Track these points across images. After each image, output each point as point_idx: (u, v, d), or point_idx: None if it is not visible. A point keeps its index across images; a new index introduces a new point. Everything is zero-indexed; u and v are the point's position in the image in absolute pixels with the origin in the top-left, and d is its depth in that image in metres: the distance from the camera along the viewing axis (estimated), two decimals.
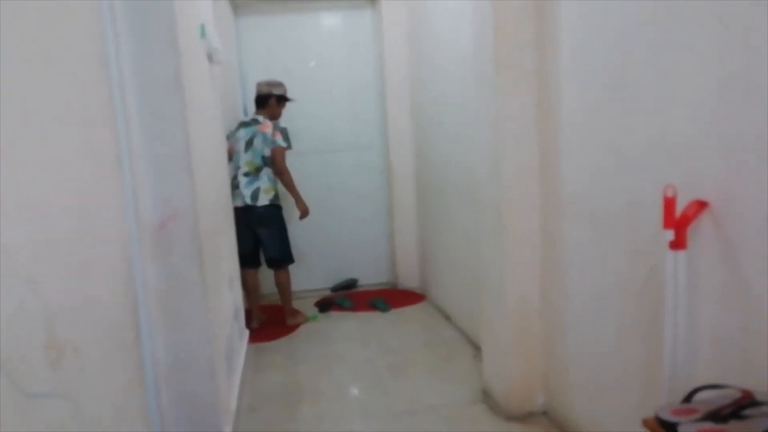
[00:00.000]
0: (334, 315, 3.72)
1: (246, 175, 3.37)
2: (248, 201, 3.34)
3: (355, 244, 4.28)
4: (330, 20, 4.14)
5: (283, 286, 3.52)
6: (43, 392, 0.66)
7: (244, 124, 3.46)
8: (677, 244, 1.36)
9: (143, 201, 1.58)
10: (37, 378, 0.67)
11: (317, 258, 4.21)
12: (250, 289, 3.52)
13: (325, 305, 3.83)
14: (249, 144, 3.37)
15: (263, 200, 3.35)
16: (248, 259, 3.43)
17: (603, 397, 1.84)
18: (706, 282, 1.34)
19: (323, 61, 4.12)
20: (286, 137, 3.44)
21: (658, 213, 1.40)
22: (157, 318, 1.62)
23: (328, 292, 4.15)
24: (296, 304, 3.68)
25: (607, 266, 1.76)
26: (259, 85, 3.51)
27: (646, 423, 1.14)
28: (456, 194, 3.19)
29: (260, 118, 3.44)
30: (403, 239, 4.20)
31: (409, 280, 4.21)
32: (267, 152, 3.36)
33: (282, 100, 3.53)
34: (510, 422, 2.21)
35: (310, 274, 4.17)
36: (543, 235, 2.15)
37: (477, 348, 2.86)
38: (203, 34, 2.27)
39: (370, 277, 4.31)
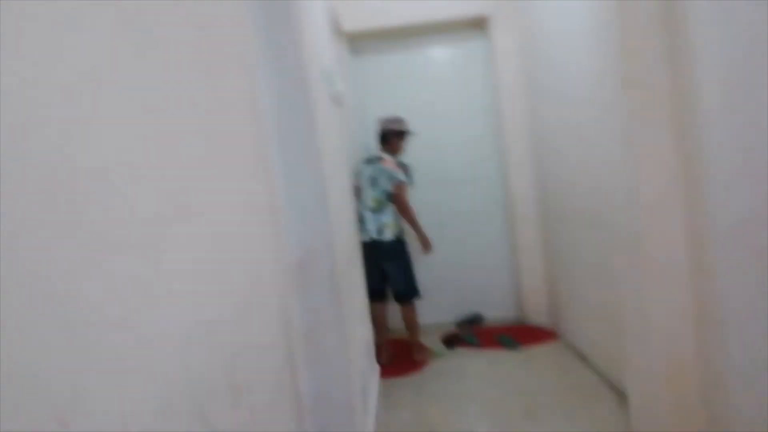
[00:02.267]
0: (461, 351, 3.65)
1: (372, 210, 3.47)
2: (374, 236, 3.42)
3: (478, 277, 4.20)
4: (442, 53, 4.21)
5: (411, 321, 3.53)
6: (226, 430, 0.71)
7: (368, 161, 3.59)
8: None
9: (287, 242, 1.68)
10: (223, 417, 0.71)
11: (440, 291, 4.18)
12: (378, 323, 3.57)
13: (451, 341, 3.77)
14: (374, 181, 3.48)
15: (388, 235, 3.42)
16: (376, 294, 3.50)
17: None
18: None
19: (438, 94, 4.18)
20: (407, 173, 3.51)
21: None
22: (301, 355, 1.69)
23: (451, 327, 4.09)
24: (421, 339, 3.66)
25: None
26: (380, 122, 3.64)
27: None
28: (584, 224, 3.02)
29: (383, 154, 3.55)
30: (529, 272, 4.04)
31: (537, 315, 4.03)
32: (390, 188, 3.44)
33: (402, 134, 3.61)
34: None
35: (433, 307, 4.14)
36: (692, 269, 1.95)
37: (619, 393, 2.62)
38: (328, 78, 2.40)
39: (496, 311, 4.19)
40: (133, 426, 0.52)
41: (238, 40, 1.19)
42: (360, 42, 4.14)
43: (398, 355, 3.60)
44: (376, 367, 3.15)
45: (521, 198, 4.01)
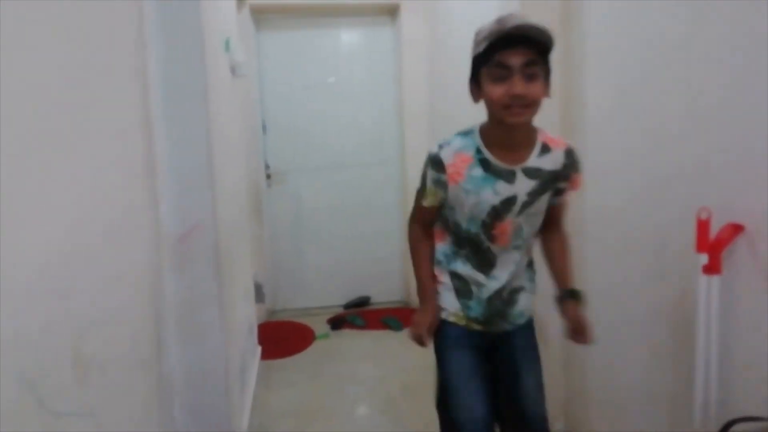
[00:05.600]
0: (346, 333, 3.68)
1: None
2: None
3: (368, 262, 4.24)
4: (350, 37, 4.16)
5: None
6: (70, 411, 0.64)
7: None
8: (711, 268, 1.32)
9: (165, 212, 1.57)
10: (65, 396, 0.64)
11: (330, 275, 4.17)
12: None
13: (337, 323, 3.79)
14: None
15: None
16: None
17: (628, 424, 1.79)
18: (741, 308, 1.29)
19: (342, 77, 4.13)
20: (424, 173, 1.68)
21: (690, 236, 1.36)
22: (174, 331, 1.60)
23: (340, 310, 4.11)
24: (308, 321, 3.63)
25: (633, 288, 1.71)
26: None
27: None
28: None
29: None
30: None
31: None
32: None
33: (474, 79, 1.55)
34: None
35: (323, 291, 4.13)
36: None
37: None
38: (228, 47, 2.28)
39: (383, 294, 4.27)
40: None
41: None
42: (265, 16, 3.97)
43: (282, 338, 3.55)
44: (258, 348, 3.08)
45: (415, 187, 4.08)
